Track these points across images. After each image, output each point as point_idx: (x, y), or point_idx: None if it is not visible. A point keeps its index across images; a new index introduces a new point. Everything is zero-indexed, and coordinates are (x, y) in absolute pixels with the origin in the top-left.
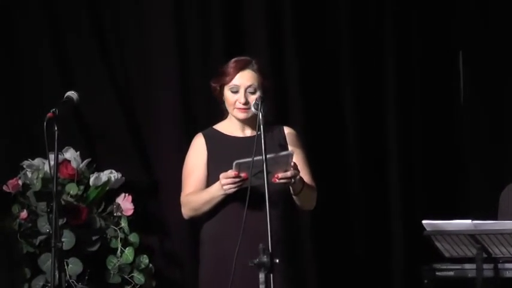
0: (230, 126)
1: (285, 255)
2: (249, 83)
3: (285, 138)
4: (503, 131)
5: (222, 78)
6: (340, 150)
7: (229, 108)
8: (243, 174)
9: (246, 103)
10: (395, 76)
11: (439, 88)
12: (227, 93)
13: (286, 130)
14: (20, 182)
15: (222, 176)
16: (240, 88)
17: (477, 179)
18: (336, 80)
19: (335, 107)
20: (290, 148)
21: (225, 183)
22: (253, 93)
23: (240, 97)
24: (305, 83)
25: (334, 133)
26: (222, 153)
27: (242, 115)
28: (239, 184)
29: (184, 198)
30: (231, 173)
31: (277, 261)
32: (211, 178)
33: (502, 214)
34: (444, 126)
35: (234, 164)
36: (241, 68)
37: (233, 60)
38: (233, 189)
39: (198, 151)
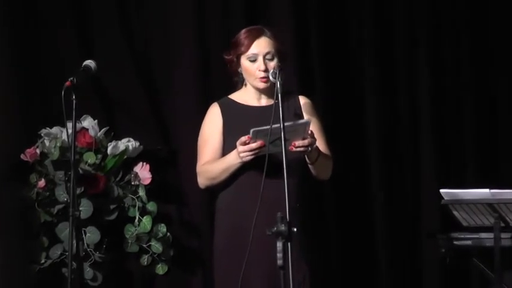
0: (245, 96)
1: (300, 224)
2: (266, 50)
3: (301, 108)
4: None
5: (238, 48)
6: (357, 119)
7: (249, 78)
8: (259, 142)
9: (266, 70)
10: (416, 42)
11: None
12: (245, 62)
13: (302, 100)
14: (38, 151)
15: (238, 143)
16: (258, 56)
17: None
18: (356, 49)
19: (354, 76)
20: (306, 117)
21: (242, 151)
22: (271, 59)
23: (260, 64)
24: (324, 51)
25: (352, 102)
26: (237, 122)
27: (263, 85)
28: (256, 152)
29: (200, 167)
30: (244, 138)
31: (295, 229)
32: (226, 147)
33: None
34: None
35: (251, 131)
36: (256, 36)
37: (244, 30)
38: (250, 157)
39: (213, 120)
